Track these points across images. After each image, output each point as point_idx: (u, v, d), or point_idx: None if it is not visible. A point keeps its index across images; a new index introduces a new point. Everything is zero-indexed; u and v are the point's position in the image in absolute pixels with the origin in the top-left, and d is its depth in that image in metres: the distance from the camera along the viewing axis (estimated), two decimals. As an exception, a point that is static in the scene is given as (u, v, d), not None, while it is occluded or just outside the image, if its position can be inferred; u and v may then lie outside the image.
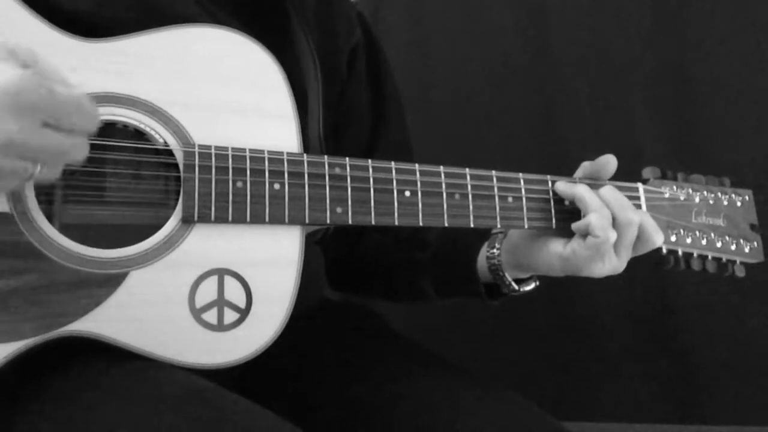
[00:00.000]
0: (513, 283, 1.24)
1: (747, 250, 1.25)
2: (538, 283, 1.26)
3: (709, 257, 1.23)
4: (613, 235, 1.12)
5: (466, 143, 2.08)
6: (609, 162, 1.19)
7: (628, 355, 2.08)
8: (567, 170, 1.22)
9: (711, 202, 1.25)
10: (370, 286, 1.46)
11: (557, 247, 1.17)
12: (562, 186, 1.18)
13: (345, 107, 1.35)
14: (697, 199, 1.24)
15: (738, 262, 1.25)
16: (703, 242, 1.23)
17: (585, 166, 1.21)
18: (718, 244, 1.24)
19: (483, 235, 1.27)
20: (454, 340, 1.96)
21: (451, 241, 1.29)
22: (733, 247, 1.24)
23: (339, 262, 1.42)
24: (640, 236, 1.15)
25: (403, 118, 1.44)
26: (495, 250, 1.23)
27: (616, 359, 2.09)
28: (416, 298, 1.38)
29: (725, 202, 1.26)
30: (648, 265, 1.20)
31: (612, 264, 1.15)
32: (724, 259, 1.24)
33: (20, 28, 1.00)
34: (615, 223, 1.13)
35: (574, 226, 1.15)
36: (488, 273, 1.25)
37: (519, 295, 1.26)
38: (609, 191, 1.15)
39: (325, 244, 1.35)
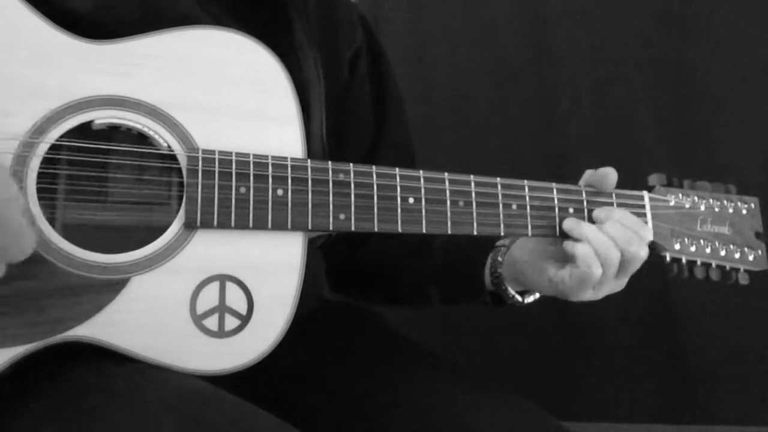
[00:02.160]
0: (516, 296, 1.24)
1: (751, 258, 1.24)
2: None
3: (713, 265, 1.23)
4: (597, 271, 1.12)
5: (466, 143, 2.08)
6: (608, 175, 1.19)
7: (627, 355, 2.09)
8: (567, 172, 1.22)
9: (716, 209, 1.24)
10: (373, 290, 1.46)
11: (550, 271, 1.17)
12: (569, 224, 1.16)
13: (347, 110, 1.35)
14: (702, 207, 1.24)
15: (742, 270, 1.24)
16: (707, 250, 1.22)
17: (587, 176, 1.21)
18: (722, 253, 1.23)
19: (489, 244, 1.27)
20: (454, 340, 1.96)
21: (457, 250, 1.30)
22: (737, 255, 1.24)
23: (342, 265, 1.42)
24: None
25: (405, 120, 1.44)
26: (498, 263, 1.24)
27: (615, 359, 2.09)
28: (420, 304, 1.38)
29: (731, 210, 1.25)
30: (649, 267, 1.20)
31: (611, 287, 1.16)
32: (727, 267, 1.23)
33: (23, 28, 0.99)
34: (622, 258, 1.13)
35: (565, 245, 1.15)
36: (491, 285, 1.25)
37: (523, 306, 1.26)
38: (613, 227, 1.14)
39: (328, 248, 1.35)
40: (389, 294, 1.44)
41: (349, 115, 1.36)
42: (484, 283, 1.26)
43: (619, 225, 1.14)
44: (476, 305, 1.29)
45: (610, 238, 1.13)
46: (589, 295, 1.15)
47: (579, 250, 1.12)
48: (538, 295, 1.26)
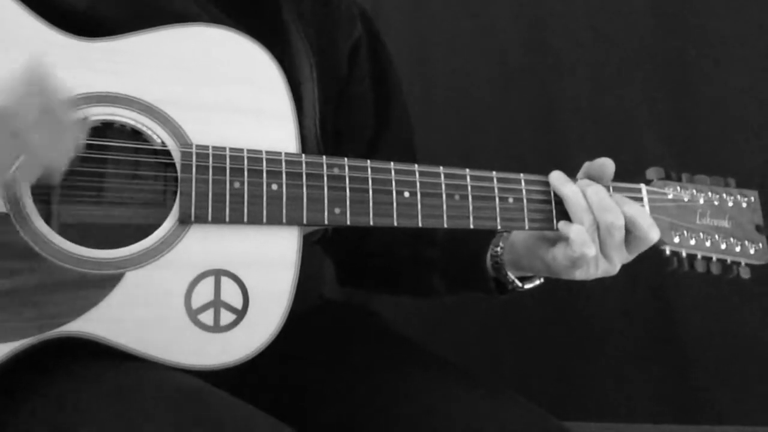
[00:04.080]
0: (516, 281, 1.24)
1: (752, 251, 1.23)
2: (542, 280, 1.25)
3: (714, 259, 1.22)
4: (590, 252, 1.11)
5: (466, 143, 2.08)
6: (605, 165, 1.18)
7: (627, 355, 2.08)
8: (567, 170, 1.21)
9: (716, 203, 1.24)
10: (379, 282, 1.46)
11: (542, 250, 1.17)
12: (555, 179, 1.17)
13: (347, 104, 1.34)
14: (701, 201, 1.23)
15: (743, 263, 1.23)
16: (707, 244, 1.21)
17: (585, 168, 1.20)
18: (723, 246, 1.22)
19: (492, 231, 1.25)
20: (454, 340, 1.96)
21: (461, 237, 1.29)
22: (737, 249, 1.23)
23: (347, 258, 1.42)
24: (634, 233, 1.14)
25: (407, 114, 1.43)
26: (499, 249, 1.23)
27: (615, 359, 2.08)
28: (425, 293, 1.38)
29: (730, 203, 1.24)
30: (648, 265, 1.19)
31: (602, 268, 1.15)
32: (728, 261, 1.22)
33: (18, 27, 1.00)
34: (598, 227, 1.12)
35: (560, 225, 1.15)
36: (492, 271, 1.25)
37: (524, 291, 1.25)
38: (593, 193, 1.14)
39: (327, 243, 1.35)
40: (394, 284, 1.44)
41: (349, 110, 1.35)
42: (487, 269, 1.25)
43: (602, 193, 1.14)
44: (480, 295, 1.29)
45: (587, 202, 1.13)
46: (581, 274, 1.15)
47: (571, 233, 1.12)
48: (537, 281, 1.25)
